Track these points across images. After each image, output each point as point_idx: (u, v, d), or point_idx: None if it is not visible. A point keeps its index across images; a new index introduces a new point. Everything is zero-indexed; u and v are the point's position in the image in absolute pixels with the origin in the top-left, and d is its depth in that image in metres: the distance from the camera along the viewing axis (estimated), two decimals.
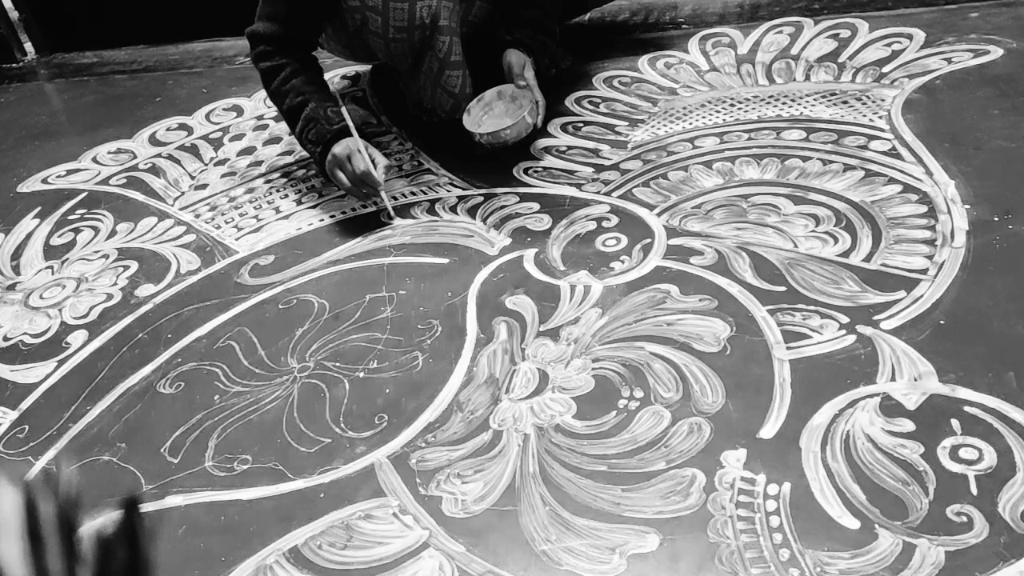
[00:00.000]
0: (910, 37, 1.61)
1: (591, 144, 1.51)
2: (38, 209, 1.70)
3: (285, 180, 1.62)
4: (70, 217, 1.65)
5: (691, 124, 1.50)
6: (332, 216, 1.47)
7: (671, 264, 1.18)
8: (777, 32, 1.73)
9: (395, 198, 1.47)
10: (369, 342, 1.16)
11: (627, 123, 1.55)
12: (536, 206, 1.37)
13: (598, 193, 1.37)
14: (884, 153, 1.31)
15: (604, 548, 0.83)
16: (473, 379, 1.06)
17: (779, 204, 1.25)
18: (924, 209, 1.18)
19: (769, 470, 0.87)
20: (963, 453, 0.84)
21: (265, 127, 1.84)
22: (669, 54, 1.74)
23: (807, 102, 1.48)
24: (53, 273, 1.48)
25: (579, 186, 1.40)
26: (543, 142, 1.53)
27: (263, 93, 1.97)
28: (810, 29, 1.71)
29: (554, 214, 1.34)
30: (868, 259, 1.12)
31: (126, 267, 1.45)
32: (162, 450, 1.05)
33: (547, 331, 1.11)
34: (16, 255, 1.56)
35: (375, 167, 1.37)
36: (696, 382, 0.99)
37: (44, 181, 1.81)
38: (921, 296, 1.04)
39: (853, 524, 0.80)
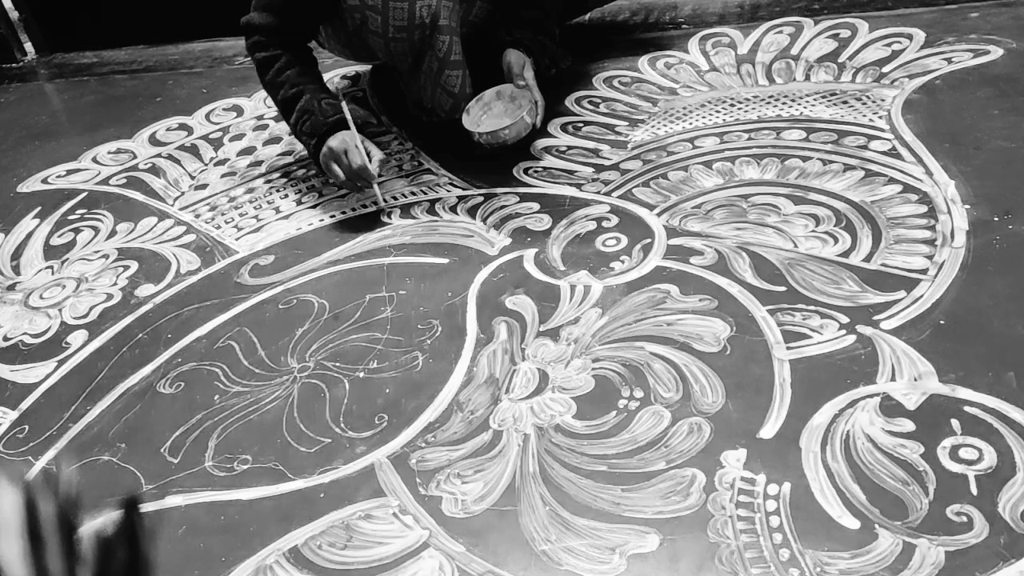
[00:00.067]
0: (910, 37, 1.61)
1: (591, 144, 1.51)
2: (38, 209, 1.70)
3: (285, 180, 1.62)
4: (70, 217, 1.65)
5: (691, 124, 1.50)
6: (332, 216, 1.47)
7: (671, 264, 1.18)
8: (777, 32, 1.73)
9: (394, 198, 1.47)
10: (369, 342, 1.16)
11: (627, 123, 1.55)
12: (536, 206, 1.37)
13: (598, 193, 1.37)
14: (884, 153, 1.31)
15: (604, 548, 0.83)
16: (473, 379, 1.06)
17: (779, 204, 1.25)
18: (924, 209, 1.18)
19: (769, 470, 0.87)
20: (963, 453, 0.84)
21: (265, 127, 1.84)
22: (669, 54, 1.74)
23: (807, 102, 1.48)
24: (53, 273, 1.48)
25: (579, 186, 1.40)
26: (543, 142, 1.53)
27: (263, 93, 1.97)
28: (810, 29, 1.71)
29: (554, 214, 1.34)
30: (868, 259, 1.12)
31: (126, 267, 1.45)
32: (162, 450, 1.05)
33: (547, 331, 1.11)
34: (16, 255, 1.56)
35: (370, 161, 1.38)
36: (696, 382, 0.99)
37: (44, 181, 1.81)
38: (921, 296, 1.04)
39: (853, 524, 0.80)
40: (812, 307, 1.06)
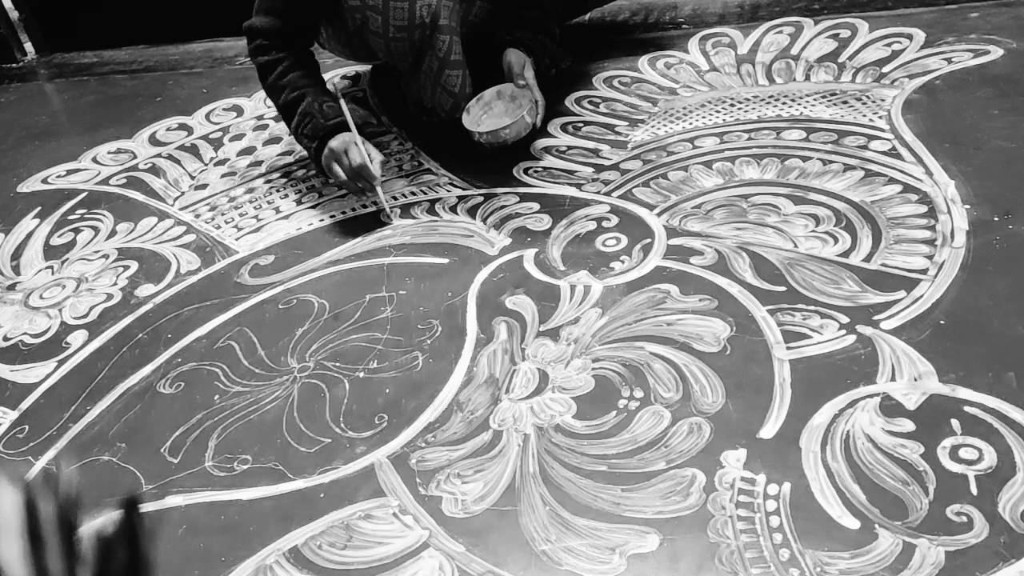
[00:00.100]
0: (910, 37, 1.61)
1: (591, 144, 1.51)
2: (38, 209, 1.70)
3: (285, 180, 1.62)
4: (70, 217, 1.65)
5: (691, 124, 1.50)
6: (332, 216, 1.47)
7: (671, 264, 1.18)
8: (777, 32, 1.73)
9: (395, 198, 1.47)
10: (369, 342, 1.16)
11: (627, 123, 1.55)
12: (536, 206, 1.37)
13: (598, 193, 1.37)
14: (884, 153, 1.31)
15: (604, 548, 0.83)
16: (473, 379, 1.06)
17: (779, 204, 1.25)
18: (924, 209, 1.18)
19: (769, 470, 0.87)
20: (963, 453, 0.84)
21: (265, 127, 1.84)
22: (669, 54, 1.74)
23: (807, 102, 1.48)
24: (53, 273, 1.48)
25: (579, 186, 1.40)
26: (543, 142, 1.53)
27: (263, 93, 1.97)
28: (810, 29, 1.71)
29: (554, 214, 1.34)
30: (868, 259, 1.12)
31: (126, 267, 1.45)
32: (162, 450, 1.05)
33: (547, 331, 1.11)
34: (16, 255, 1.56)
35: (371, 162, 1.38)
36: (696, 382, 0.99)
37: (44, 181, 1.81)
38: (921, 296, 1.04)
39: (853, 524, 0.80)
40: (812, 307, 1.06)
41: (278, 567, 0.88)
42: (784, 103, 1.49)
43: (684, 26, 1.86)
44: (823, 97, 1.49)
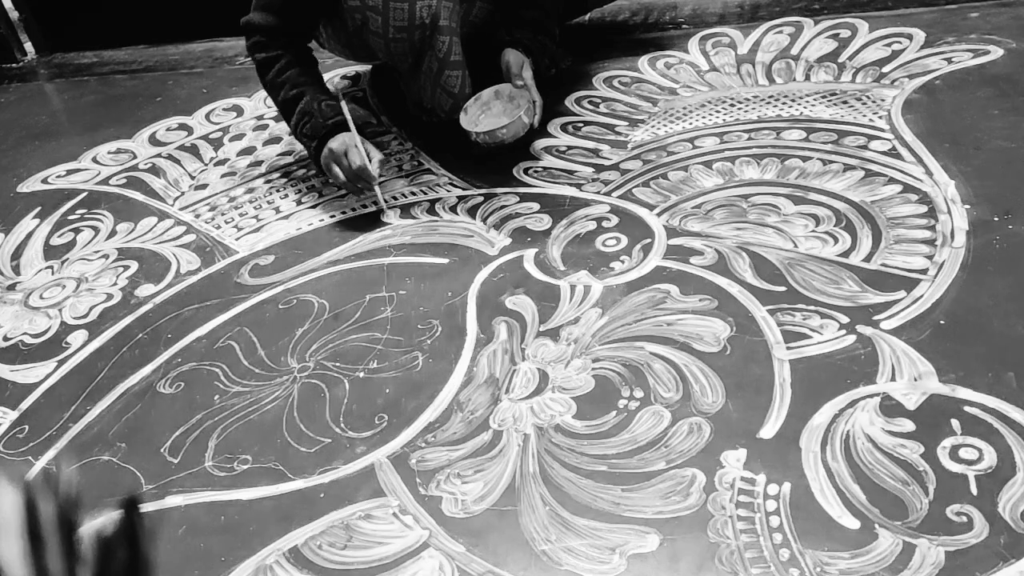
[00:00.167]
0: (910, 37, 1.61)
1: (591, 144, 1.51)
2: (38, 209, 1.70)
3: (285, 180, 1.62)
4: (70, 217, 1.65)
5: (691, 124, 1.50)
6: (332, 216, 1.47)
7: (671, 264, 1.18)
8: (777, 32, 1.73)
9: (395, 198, 1.47)
10: (369, 342, 1.16)
11: (627, 123, 1.55)
12: (536, 206, 1.37)
13: (598, 193, 1.37)
14: (884, 153, 1.31)
15: (604, 548, 0.83)
16: (473, 379, 1.06)
17: (779, 204, 1.25)
18: (924, 209, 1.18)
19: (769, 470, 0.87)
20: (963, 453, 0.84)
21: (265, 127, 1.84)
22: (669, 54, 1.74)
23: (807, 102, 1.48)
24: (53, 273, 1.48)
25: (579, 186, 1.40)
26: (543, 142, 1.53)
27: (263, 93, 1.97)
28: (810, 29, 1.71)
29: (554, 214, 1.34)
30: (868, 259, 1.12)
31: (126, 267, 1.45)
32: (162, 450, 1.05)
33: (547, 331, 1.11)
34: (16, 255, 1.56)
35: (370, 162, 1.38)
36: (696, 382, 0.99)
37: (44, 181, 1.81)
38: (921, 296, 1.04)
39: (853, 524, 0.80)
40: (812, 307, 1.06)
41: (278, 567, 0.88)
42: (784, 103, 1.49)
43: (684, 26, 1.86)
44: (823, 97, 1.49)
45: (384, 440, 1.00)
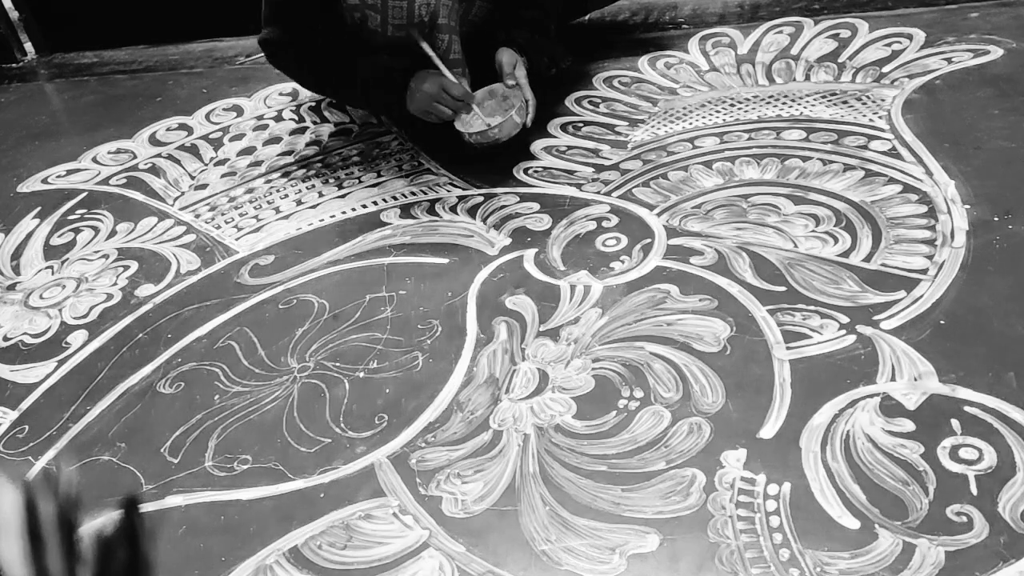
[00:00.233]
0: (910, 37, 1.61)
1: (591, 144, 1.51)
2: (38, 209, 1.70)
3: (285, 180, 1.62)
4: (70, 217, 1.65)
5: (691, 124, 1.50)
6: (332, 216, 1.47)
7: (671, 264, 1.18)
8: (777, 32, 1.73)
9: (395, 198, 1.47)
10: (369, 342, 1.16)
11: (627, 123, 1.55)
12: (536, 206, 1.37)
13: (598, 193, 1.37)
14: (884, 153, 1.31)
15: (604, 548, 0.83)
16: (473, 379, 1.06)
17: (779, 204, 1.25)
18: (924, 209, 1.18)
19: (769, 470, 0.87)
20: (963, 453, 0.84)
21: (265, 127, 1.84)
22: (669, 54, 1.74)
23: (807, 102, 1.48)
24: (53, 273, 1.48)
25: (579, 186, 1.40)
26: (543, 142, 1.53)
27: (263, 93, 1.98)
28: (810, 29, 1.71)
29: (554, 214, 1.34)
30: (868, 259, 1.12)
31: (126, 267, 1.45)
32: (162, 450, 1.05)
33: (547, 331, 1.11)
34: (16, 255, 1.56)
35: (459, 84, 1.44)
36: (696, 382, 0.99)
37: (44, 181, 1.81)
38: (921, 296, 1.04)
39: (853, 524, 0.80)
40: (812, 307, 1.06)
41: (278, 567, 0.88)
42: (784, 103, 1.49)
43: (684, 26, 1.86)
44: (823, 97, 1.49)
45: (384, 440, 1.00)
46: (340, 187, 1.54)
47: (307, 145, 1.72)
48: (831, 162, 1.31)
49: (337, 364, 1.13)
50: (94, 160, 1.86)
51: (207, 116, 1.95)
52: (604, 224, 1.29)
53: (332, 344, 1.17)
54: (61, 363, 1.25)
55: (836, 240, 1.16)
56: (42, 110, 2.24)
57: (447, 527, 0.88)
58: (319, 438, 1.02)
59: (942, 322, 1.00)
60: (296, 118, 1.84)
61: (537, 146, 1.52)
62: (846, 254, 1.13)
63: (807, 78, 1.55)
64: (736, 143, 1.41)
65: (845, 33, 1.66)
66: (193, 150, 1.81)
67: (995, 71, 1.45)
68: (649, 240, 1.24)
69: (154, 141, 1.89)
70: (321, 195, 1.54)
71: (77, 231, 1.59)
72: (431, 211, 1.42)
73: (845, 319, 1.03)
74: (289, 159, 1.68)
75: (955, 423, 0.87)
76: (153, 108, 2.06)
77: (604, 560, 0.82)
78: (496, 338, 1.12)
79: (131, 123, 1.99)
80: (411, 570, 0.84)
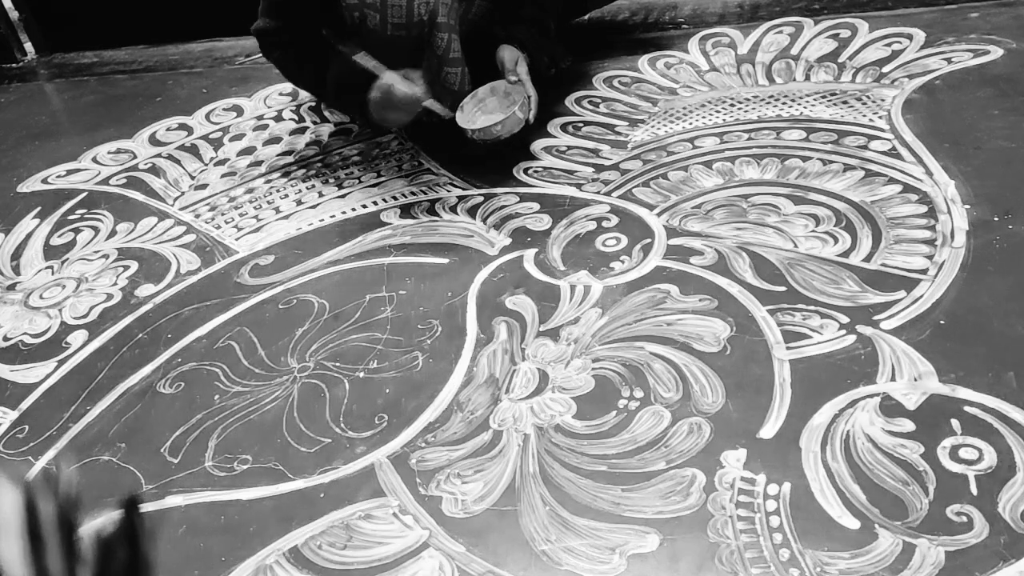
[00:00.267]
0: (910, 37, 1.61)
1: (591, 144, 1.51)
2: (38, 209, 1.70)
3: (285, 180, 1.62)
4: (70, 217, 1.65)
5: (691, 124, 1.50)
6: (332, 216, 1.47)
7: (671, 264, 1.18)
8: (777, 32, 1.73)
9: (395, 198, 1.47)
10: (369, 342, 1.16)
11: (627, 123, 1.55)
12: (536, 206, 1.37)
13: (598, 193, 1.37)
14: (884, 153, 1.31)
15: (604, 548, 0.83)
16: (473, 379, 1.06)
17: (779, 204, 1.25)
18: (924, 209, 1.18)
19: (769, 470, 0.87)
20: (963, 453, 0.84)
21: (265, 127, 1.84)
22: (669, 54, 1.74)
23: (807, 102, 1.48)
24: (53, 273, 1.48)
25: (579, 186, 1.40)
26: (543, 142, 1.53)
27: (263, 93, 1.98)
28: (810, 29, 1.71)
29: (554, 214, 1.34)
30: (868, 259, 1.12)
31: (126, 267, 1.45)
32: (162, 450, 1.05)
33: (547, 331, 1.11)
34: (16, 255, 1.56)
35: (415, 87, 1.40)
36: (696, 382, 0.99)
37: (44, 181, 1.81)
38: (921, 296, 1.04)
39: (853, 524, 0.80)
40: (812, 307, 1.06)
41: (278, 567, 0.88)
42: (784, 103, 1.49)
43: (684, 26, 1.86)
44: (823, 97, 1.49)
45: (384, 440, 1.00)
46: (340, 187, 1.54)
47: (307, 145, 1.72)
48: (831, 162, 1.31)
49: (337, 364, 1.13)
50: (94, 160, 1.86)
51: (207, 116, 1.95)
52: (604, 224, 1.29)
53: (332, 344, 1.17)
54: (61, 363, 1.25)
55: (836, 240, 1.16)
56: (42, 110, 2.24)
57: (447, 527, 0.88)
58: (319, 438, 1.02)
59: (942, 322, 1.00)
60: (296, 118, 1.84)
61: (537, 146, 1.52)
62: (846, 254, 1.13)
63: (807, 78, 1.55)
64: (736, 143, 1.41)
65: (845, 33, 1.66)
66: (193, 150, 1.81)
67: (995, 71, 1.45)
68: (649, 240, 1.24)
69: (154, 141, 1.89)
70: (321, 195, 1.54)
71: (77, 231, 1.59)
72: (431, 211, 1.42)
73: (845, 319, 1.03)
74: (289, 159, 1.68)
75: (955, 423, 0.87)
76: (153, 108, 2.06)
77: (604, 560, 0.82)
78: (496, 338, 1.12)
79: (131, 123, 1.99)
80: (411, 570, 0.84)
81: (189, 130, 1.90)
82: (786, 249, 1.16)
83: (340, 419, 1.04)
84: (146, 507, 0.98)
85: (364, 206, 1.47)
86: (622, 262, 1.20)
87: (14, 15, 2.65)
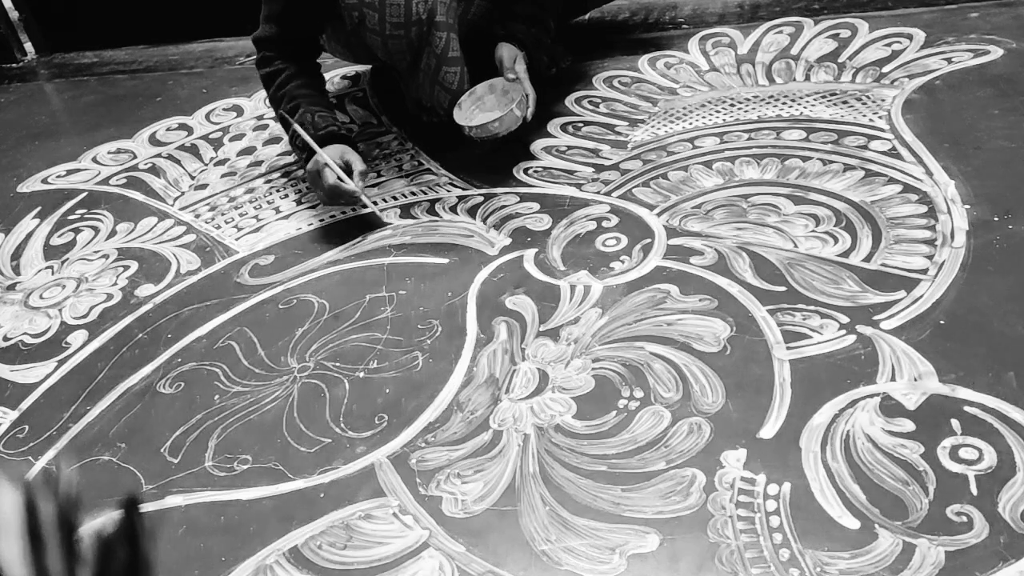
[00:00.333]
0: (910, 37, 1.61)
1: (591, 144, 1.51)
2: (38, 209, 1.70)
3: (285, 180, 1.62)
4: (70, 217, 1.65)
5: (691, 124, 1.50)
6: (332, 216, 1.47)
7: (671, 264, 1.18)
8: (777, 32, 1.73)
9: (395, 198, 1.47)
10: (369, 342, 1.16)
11: (627, 123, 1.55)
12: (536, 206, 1.37)
13: (598, 193, 1.37)
14: (884, 153, 1.31)
15: (604, 548, 0.83)
16: (473, 379, 1.06)
17: (779, 204, 1.25)
18: (924, 209, 1.18)
19: (769, 470, 0.87)
20: (963, 453, 0.84)
21: (265, 127, 1.84)
22: (669, 54, 1.74)
23: (807, 102, 1.48)
24: (53, 273, 1.48)
25: (579, 186, 1.40)
26: (543, 142, 1.53)
27: (263, 93, 1.97)
28: (810, 29, 1.71)
29: (554, 214, 1.34)
30: (868, 259, 1.12)
31: (126, 267, 1.45)
32: (162, 450, 1.05)
33: (547, 331, 1.11)
34: (16, 255, 1.56)
35: (352, 175, 1.36)
36: (696, 382, 0.99)
37: (44, 181, 1.81)
38: (921, 296, 1.04)
39: (853, 524, 0.80)
40: (812, 307, 1.06)
41: (278, 567, 0.88)
42: (784, 103, 1.49)
43: (684, 26, 1.86)
44: (823, 97, 1.49)
45: (384, 440, 1.00)
46: None
47: None
48: (831, 162, 1.31)
49: (337, 364, 1.13)
50: (94, 160, 1.86)
51: (207, 116, 1.95)
52: (604, 224, 1.29)
53: (332, 344, 1.17)
54: (61, 363, 1.25)
55: (836, 240, 1.16)
56: (42, 110, 2.25)
57: (447, 527, 0.88)
58: (319, 438, 1.02)
59: (942, 322, 1.00)
60: None
61: (537, 146, 1.52)
62: (846, 254, 1.13)
63: (807, 78, 1.55)
64: (736, 143, 1.41)
65: (845, 33, 1.66)
66: (193, 150, 1.81)
67: (995, 71, 1.45)
68: (649, 240, 1.24)
69: (154, 141, 1.89)
70: (315, 193, 1.53)
71: (77, 231, 1.59)
72: (431, 211, 1.42)
73: (845, 319, 1.03)
74: (289, 159, 1.68)
75: (955, 423, 0.87)
76: (153, 108, 2.06)
77: (604, 560, 0.82)
78: (496, 338, 1.12)
79: (131, 123, 1.99)
80: (411, 570, 0.84)
81: (189, 130, 1.90)
82: (786, 249, 1.16)
83: (340, 419, 1.04)
84: (146, 507, 0.98)
85: (364, 207, 1.47)
86: (622, 262, 1.20)
87: (14, 15, 2.65)
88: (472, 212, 1.39)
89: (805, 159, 1.34)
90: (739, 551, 0.80)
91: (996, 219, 1.13)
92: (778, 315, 1.06)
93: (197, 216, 1.56)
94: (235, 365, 1.17)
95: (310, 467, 0.99)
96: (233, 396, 1.12)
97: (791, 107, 1.48)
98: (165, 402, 1.13)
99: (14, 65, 2.60)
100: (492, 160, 1.49)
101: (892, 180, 1.25)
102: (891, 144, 1.33)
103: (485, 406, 1.02)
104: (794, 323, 1.04)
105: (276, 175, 1.64)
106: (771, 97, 1.52)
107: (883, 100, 1.44)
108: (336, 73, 1.95)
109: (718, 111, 1.52)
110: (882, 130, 1.36)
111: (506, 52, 1.51)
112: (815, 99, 1.49)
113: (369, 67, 1.90)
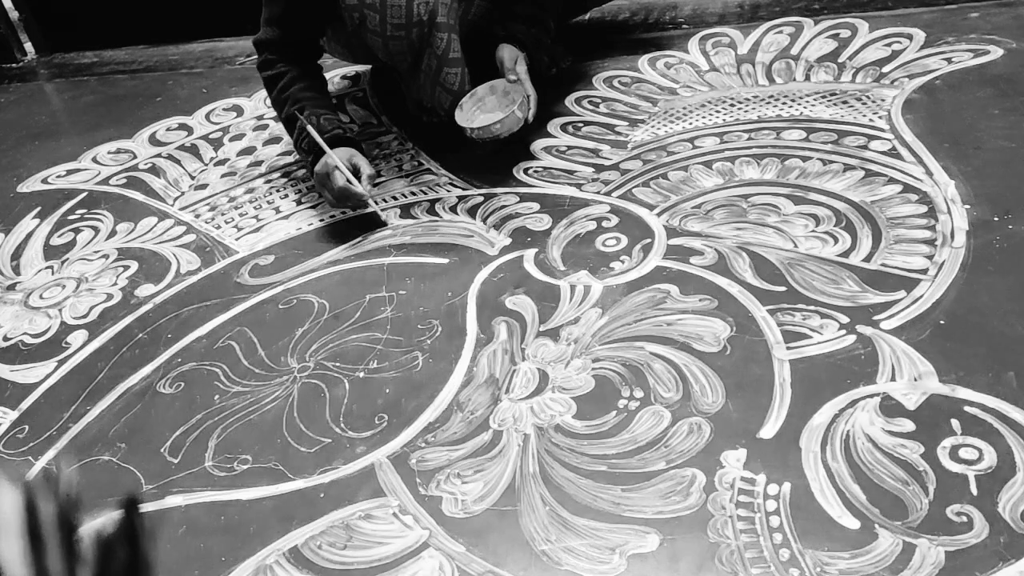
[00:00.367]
0: (910, 37, 1.61)
1: (591, 144, 1.51)
2: (38, 209, 1.70)
3: (285, 180, 1.62)
4: (70, 217, 1.65)
5: (691, 124, 1.50)
6: (332, 216, 1.47)
7: (671, 264, 1.18)
8: (777, 32, 1.73)
9: (394, 198, 1.47)
10: (369, 342, 1.16)
11: (627, 123, 1.55)
12: (536, 206, 1.37)
13: (598, 193, 1.37)
14: (884, 153, 1.31)
15: (604, 548, 0.83)
16: (473, 379, 1.06)
17: (779, 204, 1.25)
18: (924, 209, 1.18)
19: (769, 470, 0.87)
20: (963, 453, 0.84)
21: (265, 127, 1.84)
22: (669, 54, 1.74)
23: (807, 102, 1.48)
24: (53, 273, 1.48)
25: (579, 186, 1.40)
26: (543, 142, 1.53)
27: (263, 93, 1.98)
28: (810, 29, 1.71)
29: (554, 214, 1.34)
30: (868, 259, 1.12)
31: (126, 267, 1.45)
32: (162, 450, 1.05)
33: (547, 331, 1.11)
34: (16, 255, 1.56)
35: (360, 178, 1.37)
36: (696, 382, 0.99)
37: (44, 181, 1.81)
38: (921, 296, 1.04)
39: (853, 524, 0.80)
40: (812, 307, 1.06)
41: (278, 567, 0.88)
42: (784, 103, 1.49)
43: (684, 26, 1.86)
44: (823, 97, 1.49)
45: (384, 440, 1.00)
46: None
47: None
48: (831, 162, 1.31)
49: (337, 364, 1.13)
50: (94, 160, 1.86)
51: (207, 116, 1.95)
52: (604, 224, 1.29)
53: (332, 344, 1.17)
54: (61, 363, 1.25)
55: (836, 240, 1.16)
56: (42, 110, 2.25)
57: (447, 527, 0.88)
58: (319, 438, 1.02)
59: (942, 322, 1.00)
60: None
61: (537, 146, 1.52)
62: (846, 254, 1.13)
63: (807, 78, 1.55)
64: (736, 143, 1.41)
65: (845, 33, 1.66)
66: (193, 150, 1.81)
67: (995, 71, 1.45)
68: (649, 240, 1.24)
69: (154, 141, 1.89)
70: (321, 195, 1.53)
71: (77, 231, 1.59)
72: (431, 211, 1.42)
73: (845, 319, 1.03)
74: (289, 159, 1.68)
75: (955, 423, 0.87)
76: (153, 108, 2.06)
77: (604, 560, 0.82)
78: (496, 338, 1.12)
79: (131, 123, 1.99)
80: (411, 570, 0.84)
81: (189, 130, 1.90)
82: (786, 249, 1.16)
83: (340, 419, 1.04)
84: (146, 507, 0.98)
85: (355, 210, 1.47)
86: (622, 262, 1.20)
87: (14, 15, 2.65)
88: (472, 212, 1.39)
89: (805, 159, 1.34)
90: (739, 551, 0.80)
91: (996, 219, 1.13)
92: (778, 315, 1.06)
93: (197, 216, 1.56)
94: (235, 365, 1.17)
95: (310, 467, 0.99)
96: (233, 396, 1.12)
97: (791, 107, 1.48)
98: (165, 402, 1.13)
99: (14, 65, 2.60)
100: (492, 160, 1.49)
101: (892, 180, 1.25)
102: (891, 144, 1.33)
103: (485, 406, 1.02)
104: (794, 323, 1.04)
105: (276, 175, 1.64)
106: (771, 97, 1.52)
107: (883, 100, 1.44)
108: (336, 73, 1.95)
109: (718, 111, 1.52)
110: (882, 130, 1.36)
111: (507, 53, 1.51)
112: (815, 99, 1.49)
113: (369, 67, 1.90)
